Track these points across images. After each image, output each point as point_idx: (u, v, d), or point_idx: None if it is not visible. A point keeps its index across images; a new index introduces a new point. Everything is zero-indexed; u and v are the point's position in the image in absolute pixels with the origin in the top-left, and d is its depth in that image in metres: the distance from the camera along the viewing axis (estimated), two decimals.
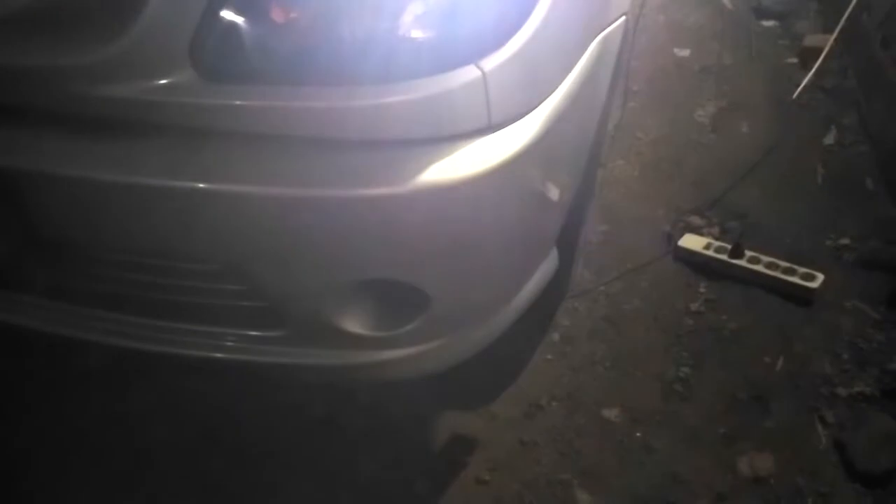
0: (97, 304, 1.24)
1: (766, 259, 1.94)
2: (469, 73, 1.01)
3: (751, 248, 1.96)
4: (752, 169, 2.30)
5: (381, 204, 1.04)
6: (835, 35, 2.64)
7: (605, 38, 1.31)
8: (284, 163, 1.03)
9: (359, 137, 1.01)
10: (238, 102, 1.01)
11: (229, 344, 1.24)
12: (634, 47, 1.99)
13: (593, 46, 1.26)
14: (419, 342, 1.26)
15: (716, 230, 2.12)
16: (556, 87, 1.16)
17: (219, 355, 1.25)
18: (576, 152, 1.33)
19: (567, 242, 1.52)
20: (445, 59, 1.01)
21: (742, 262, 1.94)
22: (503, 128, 1.08)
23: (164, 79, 1.00)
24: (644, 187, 2.26)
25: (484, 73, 1.01)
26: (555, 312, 1.86)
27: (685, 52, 2.88)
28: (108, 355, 1.54)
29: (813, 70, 2.61)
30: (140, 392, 1.65)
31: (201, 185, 1.03)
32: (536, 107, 1.11)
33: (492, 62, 1.02)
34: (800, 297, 1.87)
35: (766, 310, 1.86)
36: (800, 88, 2.59)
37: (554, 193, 1.23)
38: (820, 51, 2.66)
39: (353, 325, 1.19)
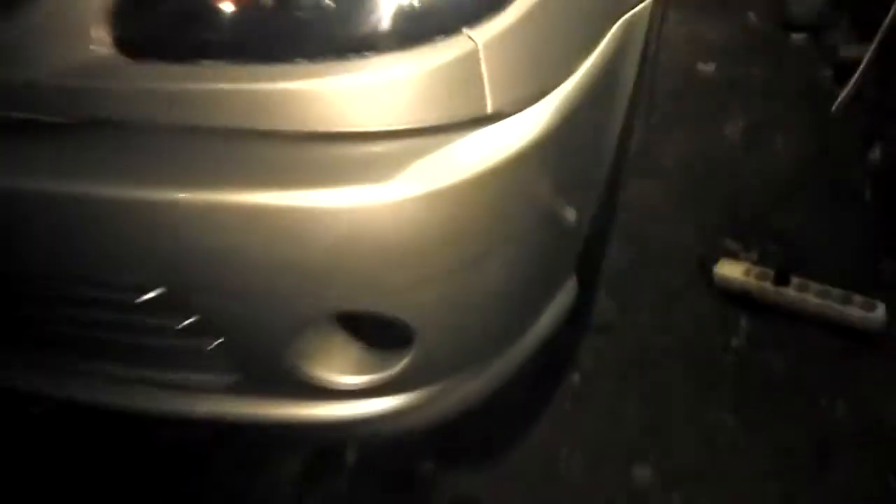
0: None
1: (815, 286, 1.69)
2: (459, 44, 0.79)
3: (797, 275, 1.72)
4: (792, 188, 2.07)
5: (351, 214, 0.81)
6: (874, 45, 2.43)
7: (630, 23, 1.08)
8: (230, 163, 0.82)
9: (318, 129, 0.79)
10: (169, 86, 0.79)
11: (168, 392, 1.00)
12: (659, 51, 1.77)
13: (615, 30, 1.04)
14: (405, 390, 1.03)
15: (754, 255, 1.88)
16: (570, 74, 0.93)
17: (155, 406, 1.02)
18: (595, 158, 1.10)
19: (587, 269, 1.28)
20: (428, 27, 0.79)
21: (788, 291, 1.69)
22: (504, 118, 0.85)
23: (74, 57, 0.79)
24: (671, 208, 2.02)
25: (478, 45, 0.79)
26: (575, 350, 1.62)
27: (710, 67, 2.68)
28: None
29: (852, 82, 2.39)
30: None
31: (127, 191, 0.81)
32: (545, 95, 0.89)
33: (488, 31, 0.80)
34: (858, 329, 1.61)
35: (819, 345, 1.60)
36: (838, 101, 2.38)
37: (570, 204, 1.00)
38: (857, 62, 2.46)
39: (323, 368, 0.96)
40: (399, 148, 0.81)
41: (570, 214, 1.02)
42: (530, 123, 0.86)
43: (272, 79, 0.77)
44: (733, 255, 1.86)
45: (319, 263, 0.83)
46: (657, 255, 1.87)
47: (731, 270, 1.77)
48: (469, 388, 1.06)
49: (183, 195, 0.79)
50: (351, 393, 0.98)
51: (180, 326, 0.92)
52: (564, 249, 1.11)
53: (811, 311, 1.67)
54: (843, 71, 2.51)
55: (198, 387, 1.02)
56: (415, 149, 0.82)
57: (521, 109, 0.86)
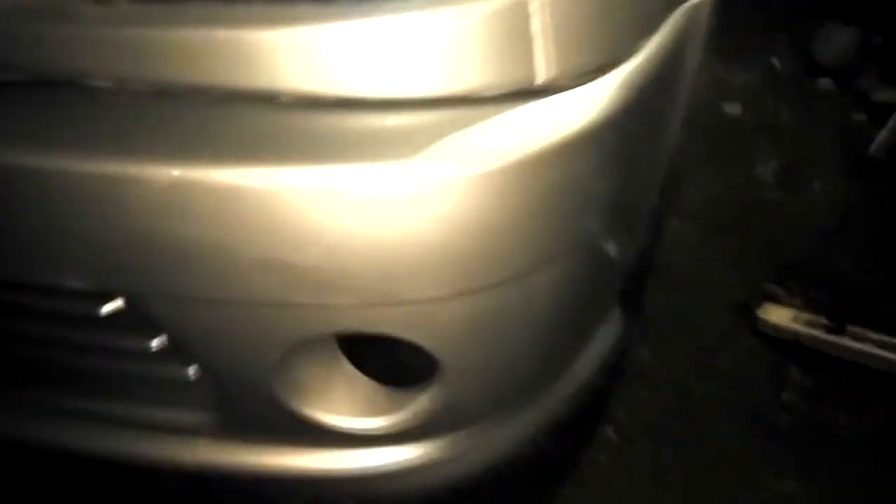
0: None
1: (874, 336, 1.51)
2: None
3: (850, 322, 1.53)
4: (834, 230, 1.91)
5: (361, 200, 0.64)
6: None
7: (693, 11, 0.92)
8: (208, 129, 0.64)
9: (323, 91, 0.62)
10: (143, 32, 0.63)
11: (135, 434, 0.81)
12: None
13: (678, 15, 0.88)
14: (422, 438, 0.84)
15: (799, 300, 1.70)
16: (633, 52, 0.77)
17: (121, 450, 0.83)
18: (652, 160, 0.93)
19: (630, 300, 1.10)
20: None
21: (844, 340, 1.51)
22: (556, 93, 0.68)
23: None
24: (706, 250, 1.86)
25: None
26: (607, 399, 1.42)
27: (736, 109, 2.57)
28: None
29: (890, 125, 2.28)
30: None
31: (69, 164, 0.64)
32: (607, 71, 0.72)
33: None
34: None
35: (886, 401, 1.41)
36: (876, 144, 2.26)
37: (624, 212, 0.83)
38: (890, 105, 2.37)
39: (321, 407, 0.78)
40: (423, 121, 0.65)
41: (625, 225, 0.85)
42: (588, 103, 0.70)
43: (272, 23, 0.60)
44: (776, 300, 1.69)
45: (318, 264, 0.65)
46: (692, 298, 1.69)
47: (777, 316, 1.60)
48: (500, 437, 0.87)
49: (140, 168, 0.62)
50: (355, 440, 0.80)
51: (146, 348, 0.74)
52: (614, 269, 0.93)
53: (870, 362, 1.48)
54: (878, 114, 2.42)
55: (171, 427, 0.83)
56: (444, 123, 0.65)
57: (577, 85, 0.70)
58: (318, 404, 0.79)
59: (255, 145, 0.62)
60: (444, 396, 0.79)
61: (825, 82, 2.73)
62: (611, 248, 0.85)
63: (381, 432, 0.81)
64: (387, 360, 0.84)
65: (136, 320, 0.72)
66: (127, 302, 0.70)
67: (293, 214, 0.62)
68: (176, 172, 0.60)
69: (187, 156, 0.61)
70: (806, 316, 1.59)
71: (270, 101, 0.62)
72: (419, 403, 0.80)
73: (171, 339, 0.73)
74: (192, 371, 0.79)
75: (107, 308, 0.73)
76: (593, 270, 0.83)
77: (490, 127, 0.66)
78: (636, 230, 0.96)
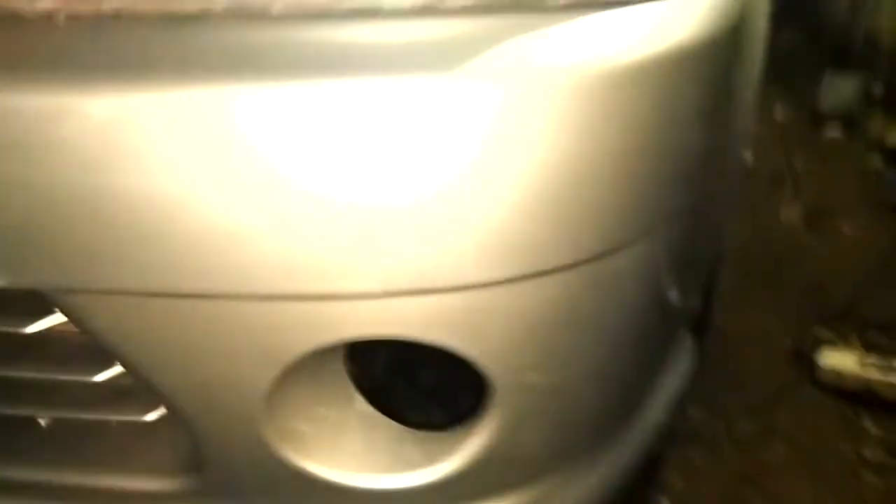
0: None
1: None
2: None
3: None
4: (875, 271, 1.75)
5: (381, 124, 0.45)
6: None
7: None
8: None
9: None
10: None
11: None
12: None
13: None
14: (471, 501, 0.61)
15: (858, 345, 1.50)
16: None
17: None
18: (735, 126, 0.74)
19: (699, 331, 0.90)
20: None
21: None
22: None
23: None
24: (743, 297, 1.68)
25: None
26: (659, 466, 1.19)
27: (746, 158, 2.44)
28: None
29: None
30: None
31: None
32: None
33: None
34: None
35: None
36: None
37: (717, 188, 0.64)
38: None
39: (330, 460, 0.55)
40: (466, 30, 0.46)
41: (716, 201, 0.66)
42: (689, 14, 0.51)
43: None
44: (831, 345, 1.49)
45: (320, 230, 0.44)
46: (739, 348, 1.49)
47: (841, 362, 1.40)
48: (575, 495, 0.64)
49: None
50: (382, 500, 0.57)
51: (88, 378, 0.52)
52: (696, 271, 0.73)
53: None
54: (894, 158, 2.33)
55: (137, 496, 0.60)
56: (495, 31, 0.46)
57: None
58: (323, 455, 0.57)
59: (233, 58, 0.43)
60: (498, 438, 0.57)
61: (833, 130, 2.65)
62: (704, 230, 0.65)
63: (410, 494, 0.59)
64: (411, 400, 0.63)
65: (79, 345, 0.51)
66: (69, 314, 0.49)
67: (287, 149, 0.43)
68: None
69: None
70: (874, 360, 1.38)
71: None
72: (466, 450, 0.58)
73: (124, 364, 0.51)
74: (154, 415, 0.57)
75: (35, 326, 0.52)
76: (684, 259, 0.63)
77: (560, 35, 0.47)
78: (733, 201, 0.77)
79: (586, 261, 0.50)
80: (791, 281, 1.76)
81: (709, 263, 0.84)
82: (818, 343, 1.50)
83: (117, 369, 0.56)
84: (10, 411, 0.61)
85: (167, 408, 0.54)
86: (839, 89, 2.68)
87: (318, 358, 0.57)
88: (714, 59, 0.55)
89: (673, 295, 0.65)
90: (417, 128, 0.44)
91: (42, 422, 0.65)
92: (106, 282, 0.45)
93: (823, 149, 2.52)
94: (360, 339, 0.50)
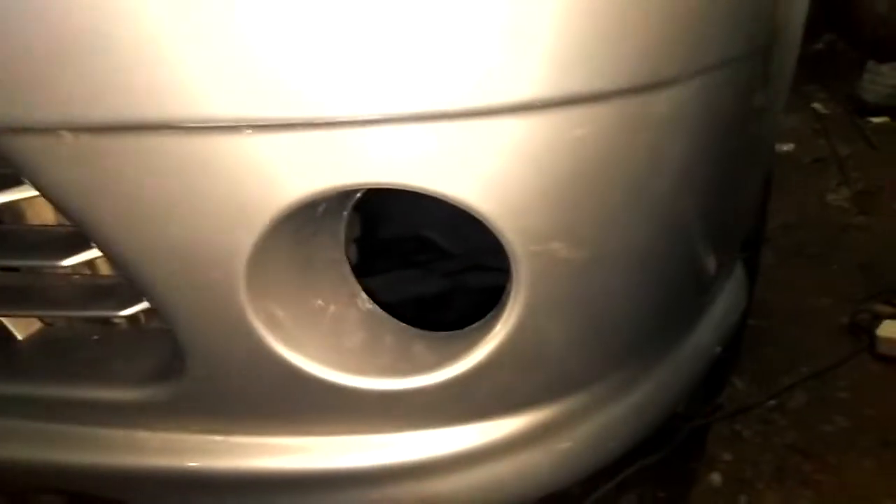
0: None
1: None
2: None
3: None
4: None
5: None
6: None
7: None
8: None
9: None
10: None
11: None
12: None
13: None
14: (492, 415, 0.54)
15: None
16: None
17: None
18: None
19: (749, 270, 0.81)
20: None
21: None
22: None
23: None
24: (794, 276, 1.60)
25: None
26: (704, 440, 1.10)
27: (789, 147, 2.39)
28: None
29: None
30: None
31: None
32: None
33: None
34: None
35: None
36: None
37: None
38: None
39: (331, 358, 0.49)
40: None
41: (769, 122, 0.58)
42: None
43: None
44: (890, 318, 1.38)
45: (306, 40, 0.38)
46: (793, 326, 1.40)
47: None
48: (612, 417, 0.56)
49: None
50: (376, 415, 0.49)
51: (56, 261, 0.46)
52: (754, 174, 0.65)
53: None
54: None
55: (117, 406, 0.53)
56: None
57: None
58: (319, 351, 0.49)
59: None
60: (519, 333, 0.49)
61: (881, 120, 2.55)
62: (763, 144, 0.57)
63: (417, 396, 0.51)
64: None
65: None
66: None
67: None
68: None
69: None
70: None
71: None
72: (482, 347, 0.50)
73: (80, 225, 0.45)
74: (132, 310, 0.51)
75: None
76: (742, 129, 0.55)
77: None
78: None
79: (623, 92, 0.42)
80: (841, 260, 1.66)
81: (755, 197, 0.76)
82: (875, 317, 1.40)
83: (87, 254, 0.50)
84: None
85: (130, 280, 0.47)
86: (883, 79, 2.60)
87: (310, 236, 0.50)
88: None
89: (725, 183, 0.57)
90: None
91: (18, 336, 0.59)
92: (43, 114, 0.39)
93: (868, 137, 2.41)
94: (353, 187, 0.43)
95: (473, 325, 0.53)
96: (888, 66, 2.62)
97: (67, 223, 0.54)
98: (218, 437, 0.53)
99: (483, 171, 0.42)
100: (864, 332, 1.35)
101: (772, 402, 1.19)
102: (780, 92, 0.65)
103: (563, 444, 0.57)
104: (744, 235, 0.76)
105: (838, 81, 2.79)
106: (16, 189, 0.48)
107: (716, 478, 1.06)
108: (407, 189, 0.43)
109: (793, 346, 1.33)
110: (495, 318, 0.51)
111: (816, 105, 2.73)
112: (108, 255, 0.46)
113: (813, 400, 1.20)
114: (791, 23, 0.62)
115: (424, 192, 0.43)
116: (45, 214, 0.56)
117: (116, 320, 0.58)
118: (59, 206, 0.45)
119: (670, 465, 1.02)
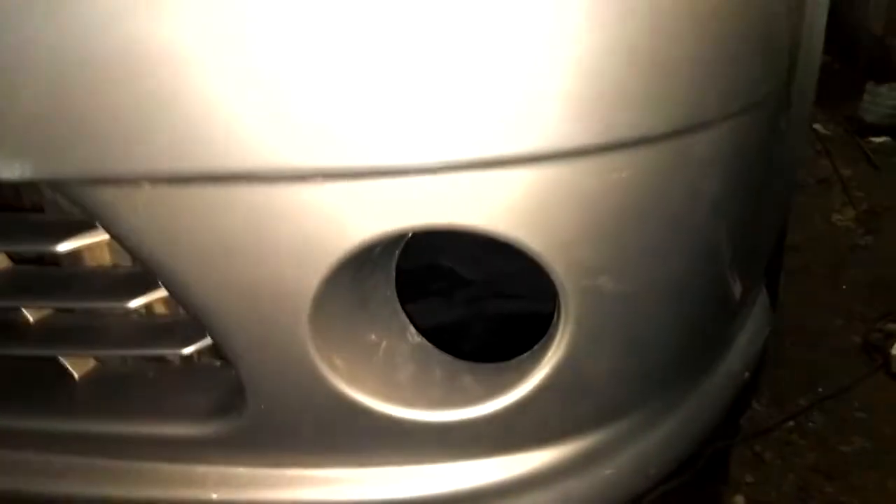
0: None
1: None
2: None
3: None
4: None
5: None
6: None
7: None
8: None
9: None
10: None
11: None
12: None
13: None
14: (537, 445, 0.56)
15: None
16: None
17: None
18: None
19: (771, 294, 0.83)
20: None
21: None
22: None
23: None
24: (806, 297, 1.61)
25: None
26: (726, 462, 1.11)
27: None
28: None
29: None
30: None
31: None
32: None
33: None
34: None
35: None
36: None
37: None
38: None
39: (385, 391, 0.51)
40: None
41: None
42: None
43: None
44: None
45: (367, 94, 0.40)
46: (807, 346, 1.42)
47: None
48: (652, 443, 0.58)
49: None
50: (427, 445, 0.51)
51: (121, 303, 0.48)
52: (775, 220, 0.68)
53: None
54: None
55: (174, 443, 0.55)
56: None
57: None
58: (374, 385, 0.52)
59: None
60: (566, 364, 0.51)
61: (878, 139, 2.59)
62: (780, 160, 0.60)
63: (467, 427, 0.53)
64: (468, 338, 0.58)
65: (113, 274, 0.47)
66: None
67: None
68: None
69: None
70: None
71: None
72: (530, 379, 0.52)
73: (150, 267, 0.47)
74: (193, 348, 0.53)
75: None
76: (769, 164, 0.58)
77: None
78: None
79: (664, 136, 0.45)
80: (851, 280, 1.68)
81: (777, 225, 0.78)
82: (888, 336, 1.42)
83: (152, 295, 0.52)
84: (46, 353, 0.57)
85: (196, 318, 0.49)
86: (881, 99, 2.64)
87: (367, 275, 0.52)
88: None
89: (755, 213, 0.59)
90: None
91: (75, 374, 0.61)
92: (126, 166, 0.42)
93: (870, 157, 2.45)
94: (414, 230, 0.46)
95: (521, 357, 0.55)
96: (887, 86, 2.66)
97: (125, 265, 0.57)
98: (274, 470, 0.55)
99: (537, 213, 0.45)
100: (877, 351, 1.37)
101: (790, 424, 1.21)
102: (801, 123, 0.68)
103: (606, 472, 0.59)
104: (766, 262, 0.78)
105: (837, 102, 2.82)
106: (87, 234, 0.50)
107: (739, 500, 1.08)
108: (465, 230, 0.45)
109: (808, 367, 1.35)
110: (543, 350, 0.53)
111: (817, 126, 2.76)
112: (177, 296, 0.48)
113: (831, 420, 1.21)
114: (811, 53, 0.65)
115: (482, 233, 0.45)
116: (102, 257, 0.59)
117: (170, 358, 0.60)
118: (131, 251, 0.47)
119: (694, 488, 1.04)
